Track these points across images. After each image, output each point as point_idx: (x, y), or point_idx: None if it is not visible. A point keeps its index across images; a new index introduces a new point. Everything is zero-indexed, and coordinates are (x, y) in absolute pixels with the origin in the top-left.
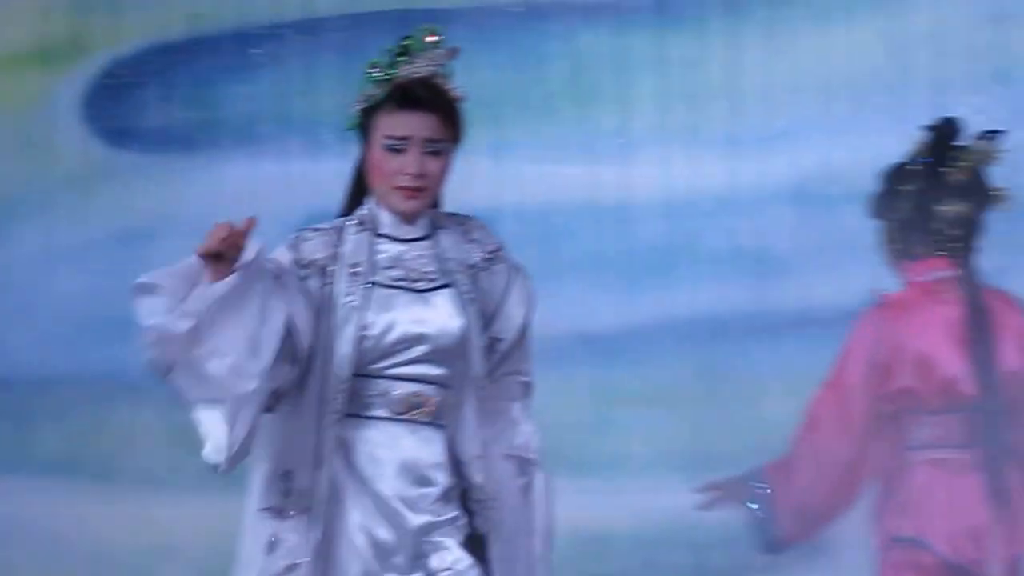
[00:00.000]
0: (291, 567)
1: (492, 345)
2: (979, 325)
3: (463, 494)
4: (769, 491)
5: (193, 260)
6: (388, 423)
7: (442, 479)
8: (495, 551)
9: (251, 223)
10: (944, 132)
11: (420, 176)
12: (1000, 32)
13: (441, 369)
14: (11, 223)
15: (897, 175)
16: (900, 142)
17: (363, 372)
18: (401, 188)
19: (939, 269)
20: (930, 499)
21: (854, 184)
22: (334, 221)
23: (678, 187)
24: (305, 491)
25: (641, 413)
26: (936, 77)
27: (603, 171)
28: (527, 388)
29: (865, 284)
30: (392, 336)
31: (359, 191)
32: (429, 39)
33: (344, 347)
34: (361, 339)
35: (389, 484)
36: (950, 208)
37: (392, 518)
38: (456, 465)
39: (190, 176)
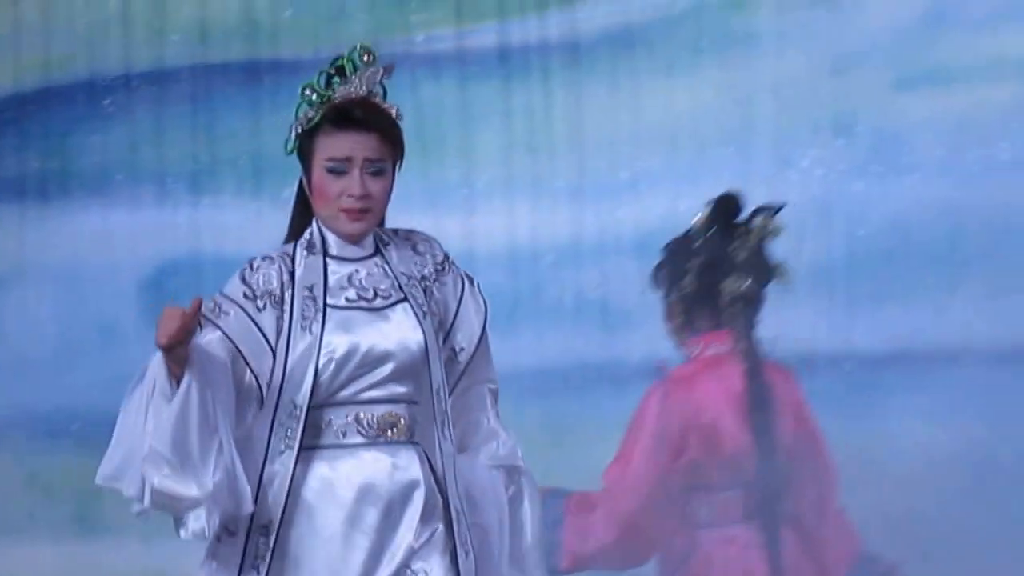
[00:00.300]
0: None
1: (453, 356)
2: (760, 399)
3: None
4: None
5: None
6: (365, 449)
7: (424, 497)
8: (465, 565)
9: (197, 304)
10: (726, 207)
11: (364, 197)
12: (841, 84)
13: (407, 386)
14: None
15: (679, 249)
16: (744, 192)
17: (332, 401)
18: (345, 210)
19: (721, 343)
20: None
21: None
22: (282, 248)
23: (522, 238)
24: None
25: None
26: (778, 128)
27: (447, 222)
28: (496, 395)
29: None
30: (356, 357)
31: (303, 215)
32: (364, 59)
33: (308, 374)
34: (327, 364)
35: (367, 510)
36: (733, 283)
37: (378, 544)
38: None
39: (44, 225)
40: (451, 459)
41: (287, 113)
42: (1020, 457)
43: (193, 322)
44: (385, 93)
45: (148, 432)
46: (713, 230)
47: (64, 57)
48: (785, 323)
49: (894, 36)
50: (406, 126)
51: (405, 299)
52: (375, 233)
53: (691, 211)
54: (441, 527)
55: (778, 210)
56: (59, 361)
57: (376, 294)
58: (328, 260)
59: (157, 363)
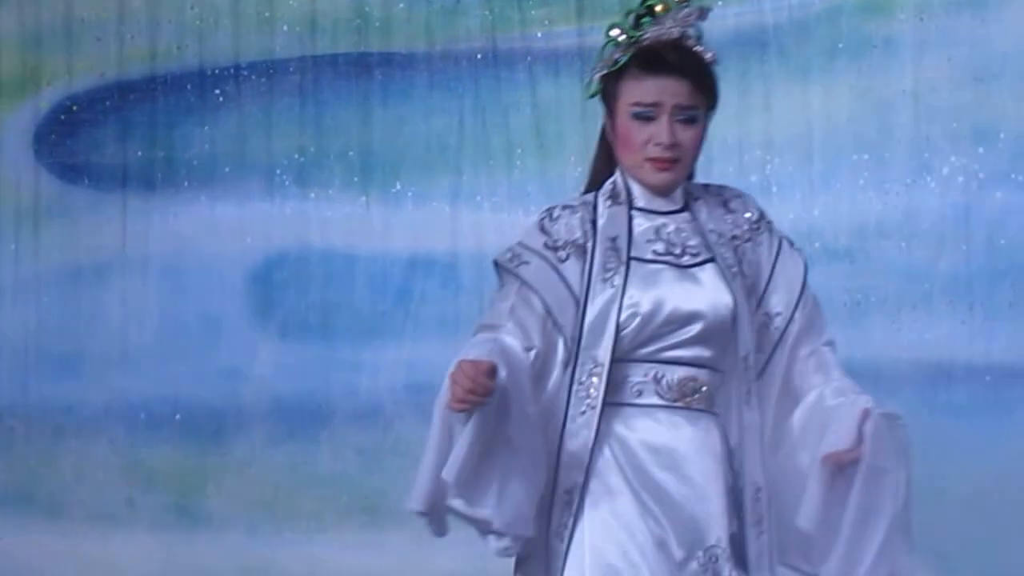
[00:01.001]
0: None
1: (767, 322)
2: None
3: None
4: None
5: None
6: (663, 411)
7: (724, 474)
8: (756, 545)
9: (491, 368)
10: None
11: (673, 146)
12: (980, 92)
13: (712, 350)
14: None
15: None
16: (879, 201)
17: (631, 357)
18: (652, 160)
19: None
20: None
21: (833, 242)
22: (582, 197)
23: None
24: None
25: None
26: (917, 135)
27: None
28: (834, 349)
29: (843, 343)
30: (662, 315)
31: (605, 163)
32: None
33: (609, 328)
34: (630, 318)
35: (668, 475)
36: None
37: (671, 512)
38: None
39: (146, 215)
40: (754, 432)
41: (397, 106)
42: None
43: (487, 387)
44: (700, 37)
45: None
46: None
47: (172, 47)
48: (924, 333)
49: None
50: (526, 123)
51: (713, 259)
52: (684, 187)
53: (825, 217)
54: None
55: None
56: (162, 351)
57: (684, 251)
58: (633, 212)
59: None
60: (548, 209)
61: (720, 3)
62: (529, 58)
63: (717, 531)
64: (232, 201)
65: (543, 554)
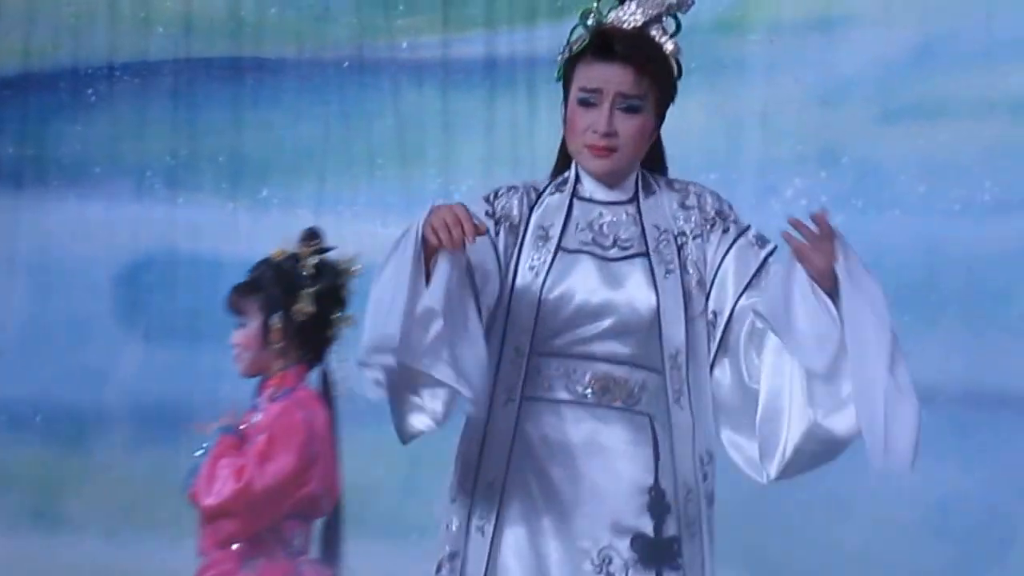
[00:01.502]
0: (452, 555)
1: (713, 321)
2: (335, 432)
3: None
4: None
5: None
6: (570, 407)
7: (637, 474)
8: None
9: (482, 229)
10: (306, 241)
11: (608, 135)
12: (826, 115)
13: (631, 347)
14: None
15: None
16: None
17: (545, 349)
18: (590, 146)
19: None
20: None
21: None
22: (532, 181)
23: None
24: (488, 481)
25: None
26: (764, 155)
27: None
28: None
29: None
30: (571, 306)
31: (564, 151)
32: None
33: (528, 318)
34: (544, 306)
35: (561, 473)
36: (310, 314)
37: (562, 514)
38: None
39: (14, 213)
40: (684, 432)
41: (268, 111)
42: None
43: (481, 228)
44: (674, 27)
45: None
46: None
47: (47, 45)
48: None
49: (883, 69)
50: (387, 131)
51: (646, 254)
52: (644, 178)
53: None
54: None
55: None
56: (25, 352)
57: (615, 243)
58: (575, 200)
59: (414, 241)
60: (495, 188)
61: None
62: (394, 67)
63: (609, 534)
64: (101, 202)
65: (464, 543)
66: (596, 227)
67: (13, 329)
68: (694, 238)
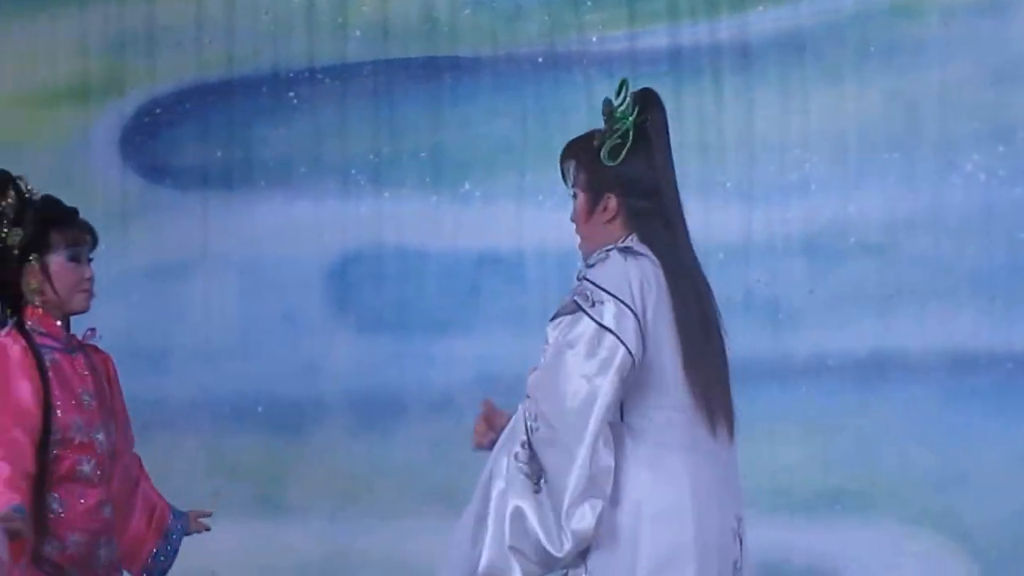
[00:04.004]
0: None
1: None
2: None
3: None
4: None
5: None
6: None
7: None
8: None
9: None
10: None
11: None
12: (1004, 92)
13: None
14: None
15: None
16: (909, 198)
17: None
18: None
19: None
20: None
21: (866, 237)
22: None
23: (693, 237)
24: None
25: None
26: (943, 134)
27: None
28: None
29: (874, 333)
30: None
31: None
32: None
33: None
34: None
35: None
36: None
37: None
38: None
39: (226, 214)
40: None
41: (466, 108)
42: None
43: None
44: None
45: None
46: None
47: (248, 52)
48: (949, 323)
49: None
50: (581, 123)
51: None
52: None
53: (860, 213)
54: None
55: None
56: (244, 347)
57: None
58: None
59: None
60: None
61: (760, 8)
62: (585, 61)
63: None
64: (308, 200)
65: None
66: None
67: (232, 326)
68: None
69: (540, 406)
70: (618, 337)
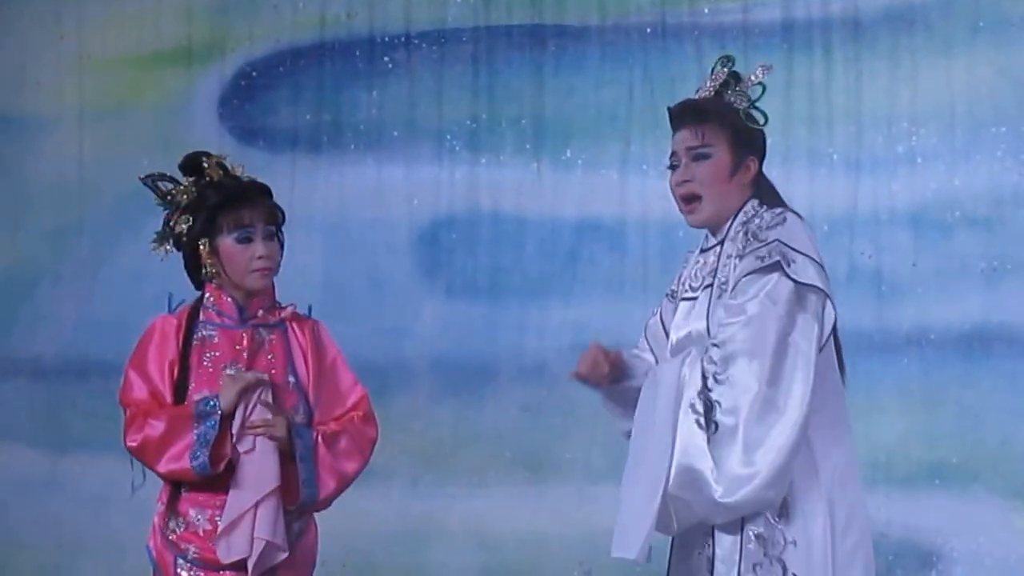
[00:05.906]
0: None
1: None
2: None
3: None
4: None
5: None
6: None
7: None
8: None
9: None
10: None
11: (681, 183)
12: None
13: None
14: (146, 216)
15: None
16: (1016, 172)
17: None
18: (678, 201)
19: None
20: None
21: (973, 210)
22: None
23: (798, 207)
24: None
25: None
26: None
27: None
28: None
29: (978, 307)
30: (668, 348)
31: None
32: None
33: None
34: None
35: None
36: None
37: None
38: None
39: (316, 177)
40: None
41: (569, 77)
42: None
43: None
44: (735, 86)
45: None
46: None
47: (341, 15)
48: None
49: None
50: (690, 94)
51: (710, 286)
52: (742, 219)
53: (966, 187)
54: None
55: None
56: (327, 308)
57: (689, 286)
58: (689, 254)
59: None
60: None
61: None
62: (696, 32)
63: None
64: (400, 165)
65: None
66: (684, 276)
67: (315, 288)
68: (738, 260)
69: (740, 361)
70: (825, 292)
